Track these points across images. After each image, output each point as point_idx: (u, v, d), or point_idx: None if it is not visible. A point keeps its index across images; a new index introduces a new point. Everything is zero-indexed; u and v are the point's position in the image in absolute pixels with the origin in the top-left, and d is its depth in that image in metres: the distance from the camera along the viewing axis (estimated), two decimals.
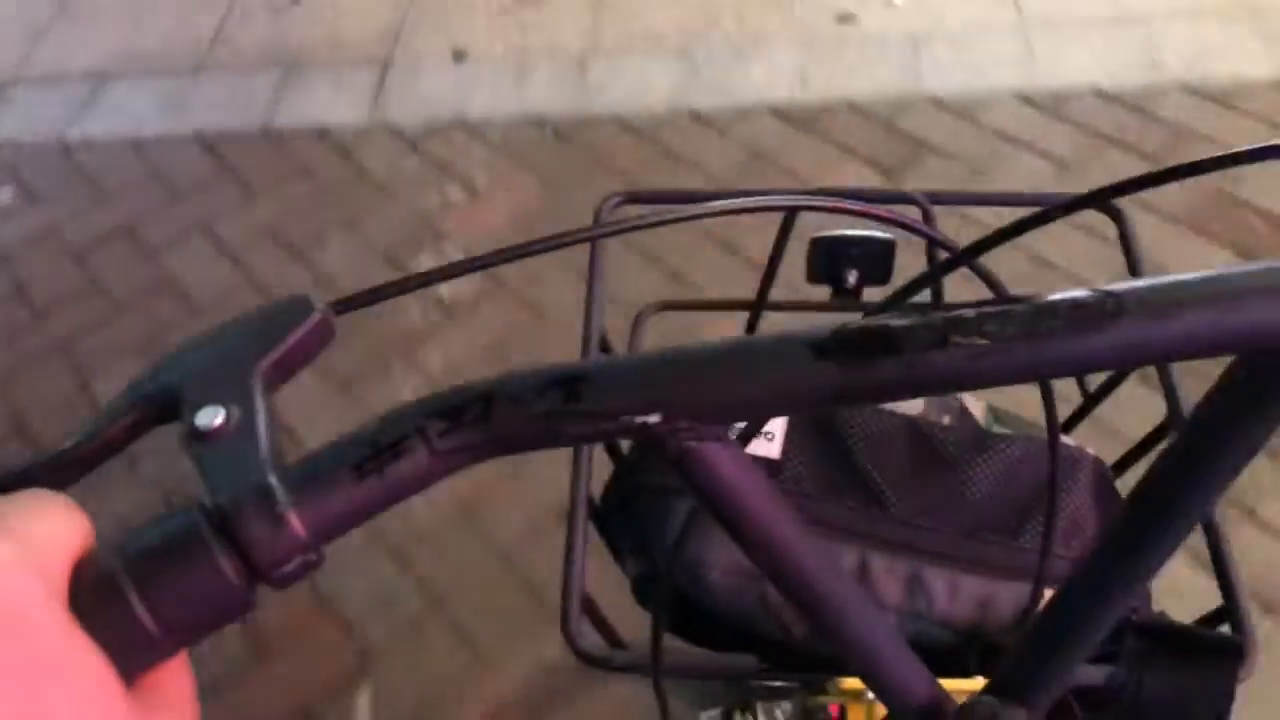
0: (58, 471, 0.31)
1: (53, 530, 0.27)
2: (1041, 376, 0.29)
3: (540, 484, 1.54)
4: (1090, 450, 0.71)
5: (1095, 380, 0.77)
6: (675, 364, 0.28)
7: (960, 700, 0.39)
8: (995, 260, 0.37)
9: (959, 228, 0.98)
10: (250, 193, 2.23)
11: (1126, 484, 0.72)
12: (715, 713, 0.82)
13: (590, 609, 0.63)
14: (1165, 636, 0.53)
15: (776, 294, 0.78)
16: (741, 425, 0.48)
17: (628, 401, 0.28)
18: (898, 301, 0.37)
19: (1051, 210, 0.34)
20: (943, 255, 0.62)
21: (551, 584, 0.62)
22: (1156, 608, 0.61)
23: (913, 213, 0.76)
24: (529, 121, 2.24)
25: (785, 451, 0.67)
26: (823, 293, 0.79)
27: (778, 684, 0.64)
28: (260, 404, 0.30)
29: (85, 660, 0.25)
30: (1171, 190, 1.78)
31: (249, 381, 0.30)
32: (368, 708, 1.43)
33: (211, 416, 0.30)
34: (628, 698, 1.37)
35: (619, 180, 2.03)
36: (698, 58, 2.33)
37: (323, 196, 2.19)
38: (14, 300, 2.09)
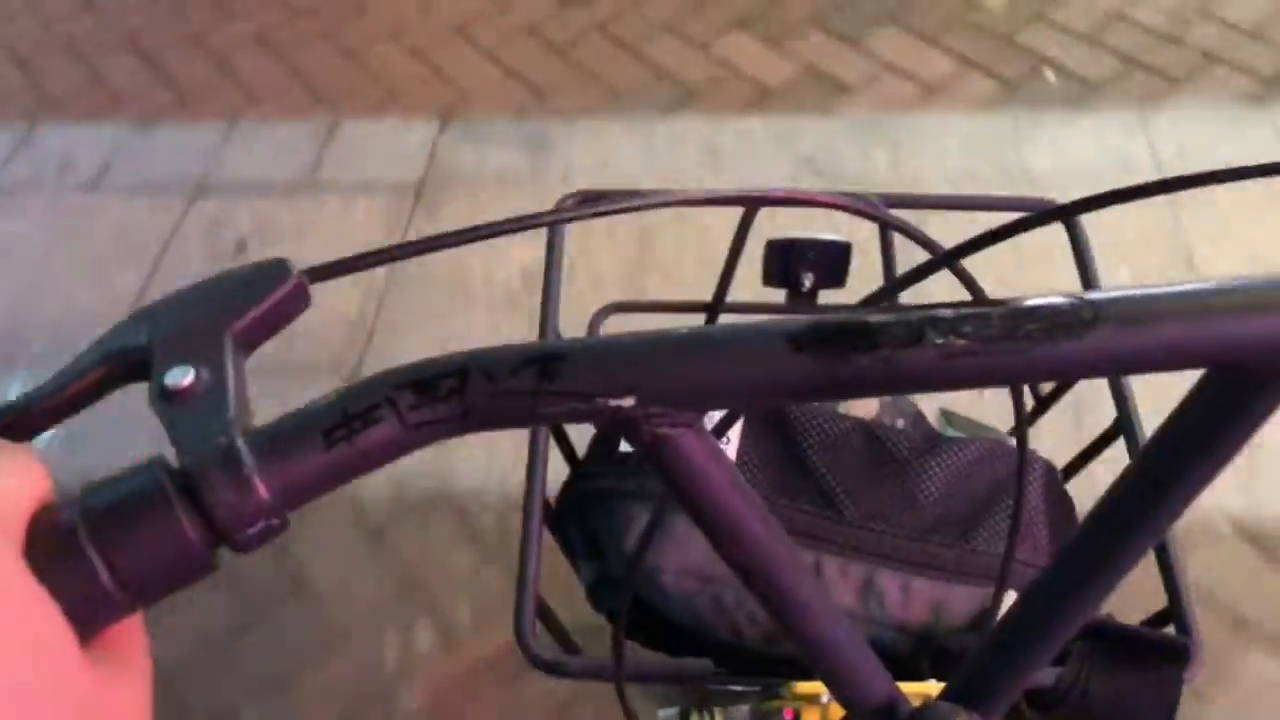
0: (19, 424, 0.31)
1: (10, 481, 0.26)
2: (1016, 381, 0.29)
3: None
4: (1041, 454, 0.72)
5: (1047, 384, 0.78)
6: (651, 348, 0.28)
7: (914, 703, 0.39)
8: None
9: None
10: None
11: (1076, 487, 0.74)
12: (673, 711, 0.82)
13: (544, 614, 0.63)
14: (1113, 638, 0.54)
15: (735, 295, 0.78)
16: (716, 417, 0.48)
17: (603, 383, 0.28)
18: (878, 299, 0.37)
19: (1032, 218, 0.34)
20: (910, 259, 0.62)
21: None
22: (1103, 608, 0.62)
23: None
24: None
25: (740, 453, 0.67)
26: (778, 296, 0.79)
27: (733, 688, 0.64)
28: (230, 366, 0.30)
29: (40, 613, 0.25)
30: None
31: (220, 343, 0.30)
32: None
33: (180, 376, 0.29)
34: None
35: None
36: None
37: None
38: None
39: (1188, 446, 0.31)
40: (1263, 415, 0.30)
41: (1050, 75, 2.12)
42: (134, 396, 0.31)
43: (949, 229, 0.53)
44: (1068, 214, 0.34)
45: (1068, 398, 0.78)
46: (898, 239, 0.77)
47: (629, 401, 0.28)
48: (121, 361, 0.31)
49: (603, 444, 0.72)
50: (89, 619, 0.26)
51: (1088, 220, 0.63)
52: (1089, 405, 1.48)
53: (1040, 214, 0.34)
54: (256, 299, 0.31)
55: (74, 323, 1.92)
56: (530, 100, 2.20)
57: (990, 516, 0.66)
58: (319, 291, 0.33)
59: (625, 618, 0.53)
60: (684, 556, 0.64)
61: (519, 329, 1.74)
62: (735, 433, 0.68)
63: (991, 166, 1.97)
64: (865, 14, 2.29)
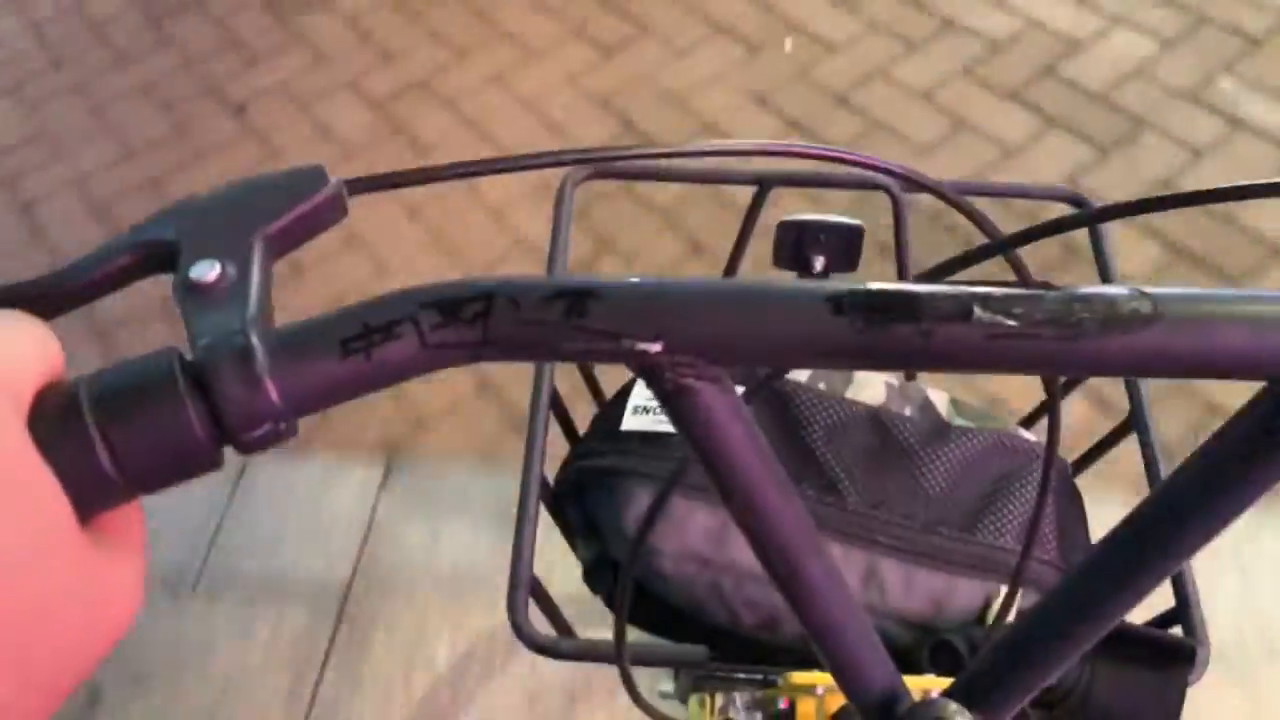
0: (42, 301, 0.30)
1: (23, 350, 0.26)
2: (1060, 371, 0.27)
3: None
4: None
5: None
6: (686, 295, 0.27)
7: (914, 697, 0.38)
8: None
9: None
10: None
11: (1086, 482, 0.73)
12: (670, 687, 0.82)
13: (539, 594, 0.62)
14: (1120, 638, 0.53)
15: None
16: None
17: (631, 325, 0.27)
18: (930, 278, 0.36)
19: (1081, 216, 0.33)
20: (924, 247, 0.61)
21: None
22: None
23: (882, 196, 0.75)
24: None
25: None
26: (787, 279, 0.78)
27: (728, 676, 0.64)
28: (257, 266, 0.29)
29: (40, 484, 0.25)
30: None
31: (250, 243, 0.30)
32: None
33: (206, 270, 0.29)
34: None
35: None
36: None
37: None
38: None
39: (1236, 464, 0.29)
40: None
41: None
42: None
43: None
44: (1115, 216, 0.33)
45: (1077, 391, 0.77)
46: (914, 223, 0.76)
47: (656, 347, 0.27)
48: (151, 251, 0.31)
49: (604, 422, 0.70)
50: (87, 498, 0.26)
51: None
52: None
53: (1090, 213, 0.33)
54: (292, 203, 0.31)
55: None
56: None
57: (996, 508, 0.65)
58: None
59: (625, 599, 0.52)
60: (683, 539, 0.64)
61: None
62: None
63: None
64: None
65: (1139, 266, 1.77)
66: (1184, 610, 0.60)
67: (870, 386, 0.70)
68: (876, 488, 0.65)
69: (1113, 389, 1.43)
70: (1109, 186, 1.88)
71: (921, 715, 0.37)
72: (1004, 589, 0.62)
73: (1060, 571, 0.64)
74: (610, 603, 0.67)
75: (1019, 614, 0.61)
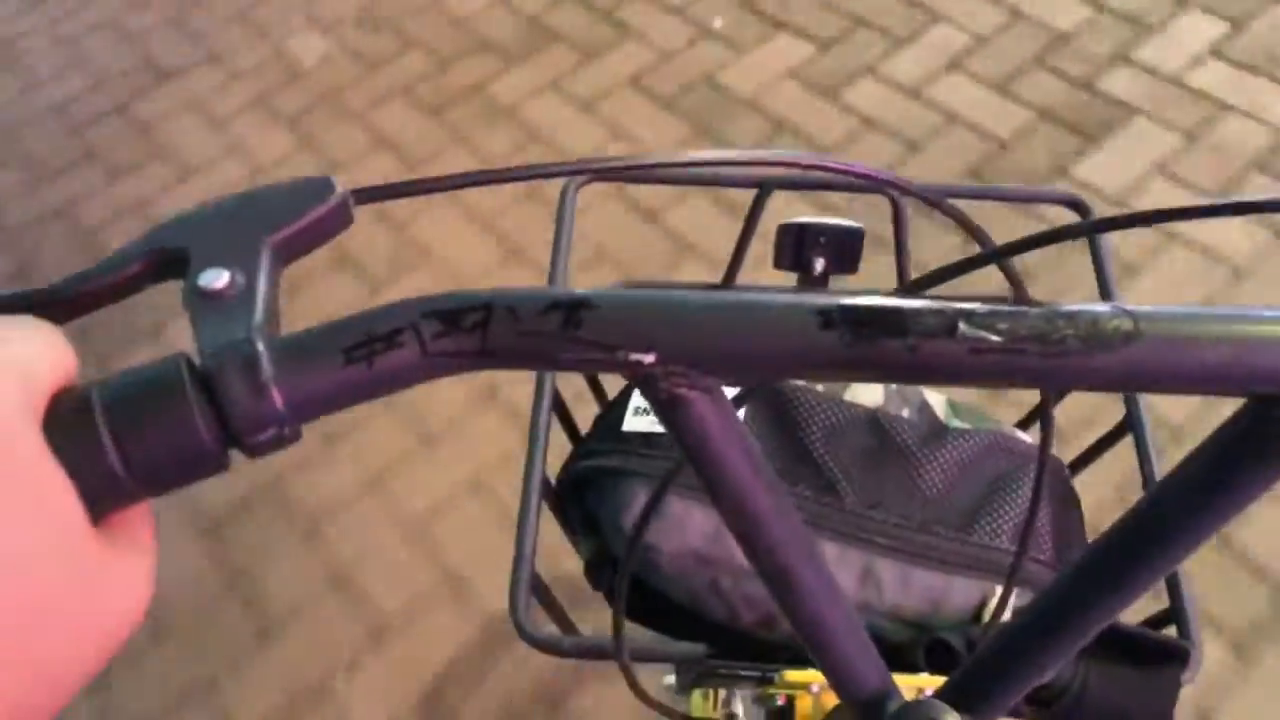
0: (53, 307, 0.31)
1: (37, 355, 0.27)
2: (1044, 385, 0.28)
3: None
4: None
5: None
6: (679, 307, 0.28)
7: (907, 695, 0.38)
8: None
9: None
10: None
11: (1083, 482, 0.73)
12: (671, 680, 0.82)
13: (541, 592, 0.62)
14: (1113, 638, 0.54)
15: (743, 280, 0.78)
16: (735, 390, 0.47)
17: (625, 336, 0.28)
18: (919, 287, 0.36)
19: (1075, 227, 0.33)
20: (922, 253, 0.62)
21: None
22: None
23: (884, 203, 0.75)
24: None
25: None
26: (789, 280, 0.78)
27: (727, 673, 0.64)
28: (264, 274, 0.30)
29: (54, 485, 0.26)
30: None
31: (258, 251, 0.31)
32: None
33: (214, 278, 0.30)
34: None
35: None
36: None
37: None
38: None
39: (1220, 475, 0.30)
40: None
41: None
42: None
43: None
44: (1112, 228, 0.33)
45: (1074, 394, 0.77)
46: (914, 228, 0.76)
47: (649, 358, 0.28)
48: (162, 258, 0.32)
49: (605, 422, 0.71)
50: (98, 499, 0.27)
51: None
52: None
53: (1085, 224, 0.33)
54: (299, 212, 0.32)
55: None
56: None
57: (992, 509, 0.66)
58: None
59: (622, 596, 0.53)
60: (682, 538, 0.64)
61: None
62: (739, 414, 0.68)
63: None
64: None
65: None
66: (1177, 611, 0.60)
67: (869, 389, 0.71)
68: (874, 488, 0.66)
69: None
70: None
71: (911, 715, 0.37)
72: (998, 588, 0.63)
73: (1055, 572, 0.64)
74: (611, 599, 0.68)
75: (1013, 614, 0.62)
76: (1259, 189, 1.83)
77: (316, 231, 0.32)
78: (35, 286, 0.31)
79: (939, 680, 0.57)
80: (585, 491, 0.68)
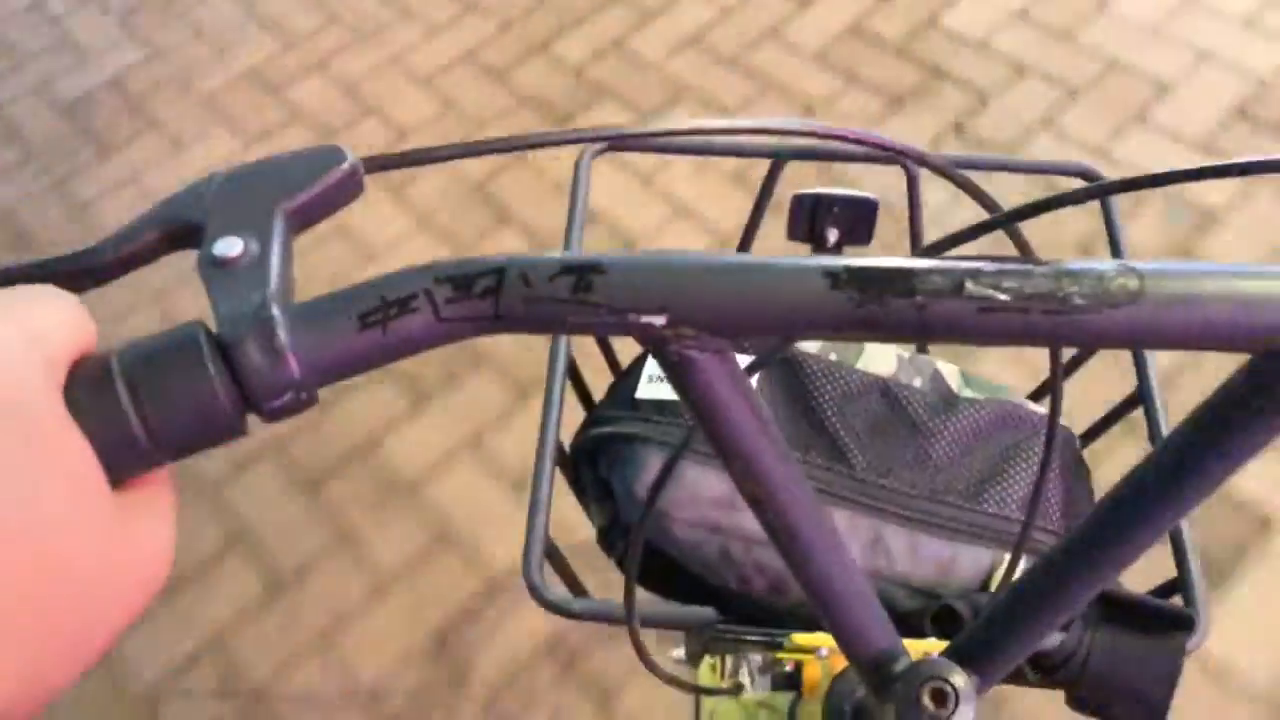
0: (71, 276, 0.32)
1: (58, 323, 0.27)
2: (1049, 343, 0.28)
3: None
4: (1060, 419, 0.71)
5: (1069, 349, 0.78)
6: (689, 270, 0.28)
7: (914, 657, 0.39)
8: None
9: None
10: None
11: (1094, 453, 0.74)
12: (682, 653, 0.84)
13: (554, 556, 0.63)
14: (1119, 606, 0.54)
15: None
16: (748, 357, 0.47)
17: (636, 299, 0.28)
18: (932, 253, 0.37)
19: (1092, 189, 0.33)
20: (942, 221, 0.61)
21: None
22: None
23: (898, 173, 0.75)
24: None
25: None
26: (802, 251, 0.79)
27: (736, 638, 0.65)
28: (277, 242, 0.30)
29: (75, 450, 0.26)
30: None
31: (271, 219, 0.31)
32: None
33: (229, 247, 0.30)
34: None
35: None
36: None
37: None
38: None
39: (1222, 432, 0.30)
40: None
41: None
42: None
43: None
44: (1121, 189, 0.33)
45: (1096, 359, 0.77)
46: (928, 198, 0.76)
47: (660, 320, 0.28)
48: (177, 227, 0.32)
49: (619, 389, 0.72)
50: (118, 464, 0.27)
51: None
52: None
53: (1097, 187, 0.33)
54: (311, 181, 0.32)
55: None
56: None
57: (1002, 479, 0.66)
58: None
59: (636, 562, 0.53)
60: (694, 505, 0.65)
61: None
62: (750, 381, 0.68)
63: None
64: None
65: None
66: (1184, 580, 0.61)
67: (881, 358, 0.71)
68: (884, 456, 0.66)
69: (1127, 357, 1.44)
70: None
71: (918, 674, 0.38)
72: (1007, 556, 0.63)
73: None
74: (622, 565, 0.69)
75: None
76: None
77: (328, 200, 0.33)
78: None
79: (943, 645, 0.58)
80: (599, 458, 0.69)
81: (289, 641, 1.48)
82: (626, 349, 1.59)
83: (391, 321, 0.28)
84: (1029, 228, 1.62)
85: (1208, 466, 0.31)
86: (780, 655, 0.62)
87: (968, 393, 0.71)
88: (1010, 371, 1.55)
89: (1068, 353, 0.78)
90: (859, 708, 0.45)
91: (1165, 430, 0.68)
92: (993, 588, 0.63)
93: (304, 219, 0.32)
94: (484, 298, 0.28)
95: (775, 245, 1.60)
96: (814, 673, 0.60)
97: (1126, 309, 0.27)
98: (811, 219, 0.76)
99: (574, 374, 0.73)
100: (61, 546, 0.25)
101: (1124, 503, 0.33)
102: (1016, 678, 0.55)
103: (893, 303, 0.27)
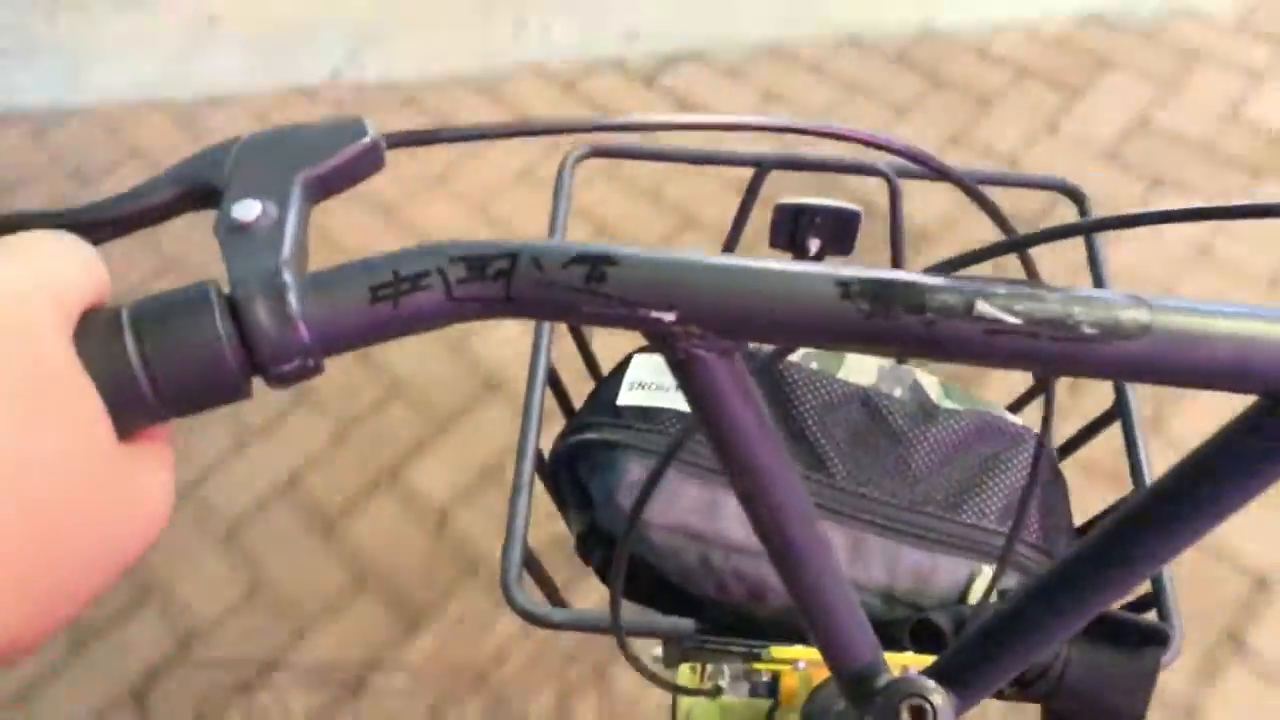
0: (87, 227, 0.32)
1: (72, 269, 0.28)
2: (1053, 371, 0.28)
3: None
4: (1036, 430, 0.72)
5: None
6: (701, 269, 0.28)
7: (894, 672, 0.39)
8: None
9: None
10: None
11: (1074, 464, 0.74)
12: (659, 653, 0.83)
13: (532, 565, 0.63)
14: (1094, 620, 0.54)
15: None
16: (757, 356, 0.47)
17: (646, 294, 0.28)
18: (941, 272, 0.37)
19: (1098, 221, 0.33)
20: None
21: None
22: None
23: (880, 184, 0.75)
24: None
25: None
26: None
27: (715, 648, 0.65)
28: (294, 209, 0.31)
29: (81, 393, 0.26)
30: None
31: (290, 187, 0.31)
32: None
33: (247, 210, 0.30)
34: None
35: None
36: None
37: None
38: None
39: (1224, 473, 0.30)
40: None
41: None
42: None
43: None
44: (1119, 225, 0.33)
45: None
46: (907, 210, 0.76)
47: (669, 316, 0.28)
48: (196, 186, 0.32)
49: (600, 396, 0.72)
50: (123, 414, 0.28)
51: None
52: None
53: (1100, 220, 0.33)
54: (332, 151, 0.32)
55: None
56: None
57: (980, 490, 0.67)
58: None
59: (620, 571, 0.53)
60: (674, 513, 0.65)
61: None
62: None
63: None
64: None
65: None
66: (1159, 596, 0.61)
67: (861, 368, 0.72)
68: (864, 466, 0.67)
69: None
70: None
71: (900, 690, 0.38)
72: (985, 568, 0.64)
73: (1042, 554, 0.65)
74: (600, 573, 0.69)
75: (1000, 595, 0.63)
76: None
77: (348, 172, 0.33)
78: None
79: (923, 659, 0.58)
80: (578, 465, 0.69)
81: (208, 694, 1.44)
82: (606, 356, 1.57)
83: (403, 297, 0.28)
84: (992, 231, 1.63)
85: (1208, 506, 0.31)
86: (759, 665, 0.62)
87: (948, 403, 0.71)
88: (990, 381, 1.56)
89: None
90: None
91: (1142, 447, 0.68)
92: (971, 599, 0.63)
93: (323, 189, 0.32)
94: (496, 280, 0.28)
95: (760, 254, 1.61)
96: (791, 683, 0.60)
97: (1135, 342, 0.27)
98: (794, 227, 0.76)
99: (554, 380, 0.72)
100: (64, 489, 0.26)
101: (1118, 536, 0.33)
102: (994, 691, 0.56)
103: (902, 317, 0.27)
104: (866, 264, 0.30)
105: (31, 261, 0.27)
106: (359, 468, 1.63)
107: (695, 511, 0.65)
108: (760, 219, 0.77)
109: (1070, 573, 0.35)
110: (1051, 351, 0.27)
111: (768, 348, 0.65)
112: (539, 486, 0.66)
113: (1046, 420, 0.46)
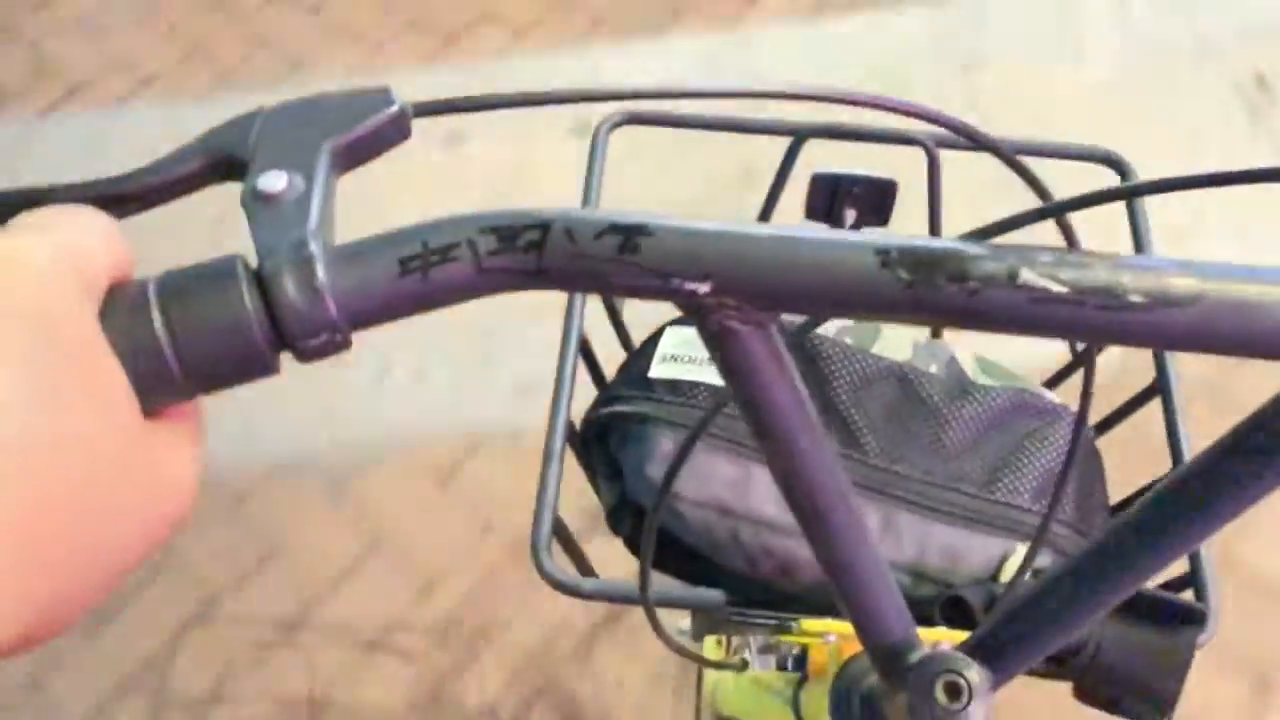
0: (111, 201, 0.31)
1: (97, 244, 0.27)
2: (1099, 340, 0.27)
3: None
4: (1073, 407, 0.71)
5: None
6: (737, 239, 0.28)
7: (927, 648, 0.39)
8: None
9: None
10: None
11: (1110, 442, 0.73)
12: (686, 625, 0.84)
13: (562, 535, 0.63)
14: (1130, 599, 0.54)
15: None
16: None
17: (681, 265, 0.27)
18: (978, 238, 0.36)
19: (1136, 186, 0.32)
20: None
21: None
22: None
23: (919, 155, 0.74)
24: None
25: None
26: None
27: (744, 621, 0.65)
28: (321, 180, 0.30)
29: (106, 368, 0.26)
30: None
31: (316, 157, 0.31)
32: None
33: (273, 181, 0.30)
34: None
35: None
36: None
37: None
38: None
39: (1265, 449, 0.29)
40: None
41: None
42: None
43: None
44: (1163, 189, 0.32)
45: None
46: (946, 181, 0.75)
47: (704, 287, 0.27)
48: (222, 157, 0.32)
49: (631, 368, 0.71)
50: (150, 391, 0.27)
51: None
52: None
53: (1142, 184, 0.32)
54: (359, 121, 0.32)
55: None
56: None
57: (1015, 468, 0.66)
58: None
59: (650, 544, 0.53)
60: (706, 487, 0.65)
61: None
62: None
63: None
64: None
65: None
66: (1196, 575, 0.60)
67: (897, 343, 0.71)
68: (898, 442, 0.66)
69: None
70: None
71: (933, 666, 0.38)
72: (1019, 546, 0.63)
73: (1077, 533, 0.64)
74: (630, 544, 0.69)
75: (1034, 574, 0.62)
76: None
77: (374, 141, 0.32)
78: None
79: (954, 635, 0.58)
80: (609, 437, 0.69)
81: None
82: (638, 327, 1.57)
83: (432, 269, 0.28)
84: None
85: (1250, 481, 0.30)
86: (788, 638, 0.62)
87: (984, 380, 0.70)
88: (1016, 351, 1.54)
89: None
90: (867, 695, 0.45)
91: (1182, 424, 0.67)
92: (1003, 577, 0.63)
93: (350, 159, 0.32)
94: (527, 252, 0.28)
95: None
96: (821, 657, 0.60)
97: (1185, 310, 0.25)
98: (830, 198, 0.75)
99: (586, 351, 0.72)
100: (90, 466, 0.25)
101: (1156, 513, 0.32)
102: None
103: (943, 286, 0.26)
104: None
105: (54, 236, 0.26)
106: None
107: (726, 486, 0.64)
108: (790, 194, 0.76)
109: (1107, 550, 0.34)
110: (1098, 320, 0.26)
111: (800, 320, 0.64)
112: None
113: (1085, 396, 0.45)
